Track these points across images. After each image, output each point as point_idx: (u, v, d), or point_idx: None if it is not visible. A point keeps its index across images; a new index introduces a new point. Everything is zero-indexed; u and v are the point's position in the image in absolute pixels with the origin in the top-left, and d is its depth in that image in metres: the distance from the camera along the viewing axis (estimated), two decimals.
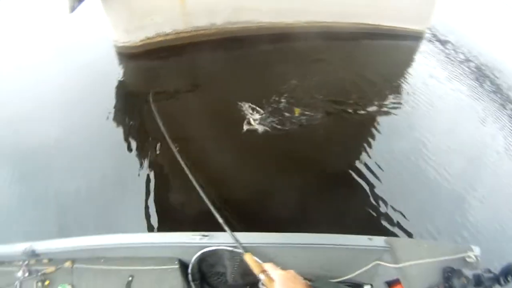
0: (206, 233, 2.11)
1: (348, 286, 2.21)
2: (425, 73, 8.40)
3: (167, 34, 6.36)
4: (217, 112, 5.35)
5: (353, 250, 2.05)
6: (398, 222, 3.79)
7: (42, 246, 2.48)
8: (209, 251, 2.11)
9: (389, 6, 8.73)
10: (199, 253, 2.12)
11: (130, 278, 2.24)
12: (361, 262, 2.13)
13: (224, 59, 6.39)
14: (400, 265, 1.80)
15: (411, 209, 4.09)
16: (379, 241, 2.03)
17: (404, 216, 3.89)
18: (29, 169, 4.52)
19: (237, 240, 2.02)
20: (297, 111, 5.43)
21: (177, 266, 2.21)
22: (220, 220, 2.17)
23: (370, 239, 2.04)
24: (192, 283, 2.22)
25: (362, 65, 7.67)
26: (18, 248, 2.51)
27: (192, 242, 2.10)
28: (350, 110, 5.88)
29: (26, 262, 2.57)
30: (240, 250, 2.05)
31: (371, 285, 2.25)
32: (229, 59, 6.26)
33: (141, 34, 6.66)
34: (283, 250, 2.12)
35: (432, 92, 7.40)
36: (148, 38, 6.56)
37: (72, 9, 5.86)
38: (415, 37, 10.09)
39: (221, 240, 2.10)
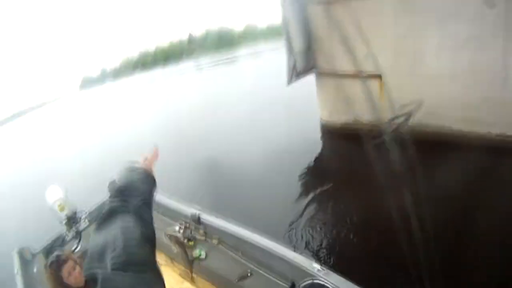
0: (325, 268, 2.32)
1: None
2: None
3: (363, 124, 6.91)
4: None
5: None
6: None
7: (207, 218, 3.24)
8: (319, 284, 2.27)
9: None
10: (310, 281, 2.31)
11: (248, 273, 2.68)
12: None
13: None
14: None
15: None
16: None
17: None
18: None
19: None
20: None
21: (287, 286, 2.47)
22: None
23: None
24: None
25: None
26: (189, 210, 3.35)
27: (309, 268, 2.34)
28: None
29: (187, 224, 3.38)
30: None
31: None
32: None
33: (342, 117, 7.70)
34: None
35: None
36: (347, 123, 7.50)
37: (289, 82, 7.72)
38: None
39: (333, 280, 2.24)
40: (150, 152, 1.82)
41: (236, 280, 2.68)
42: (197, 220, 3.27)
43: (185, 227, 3.32)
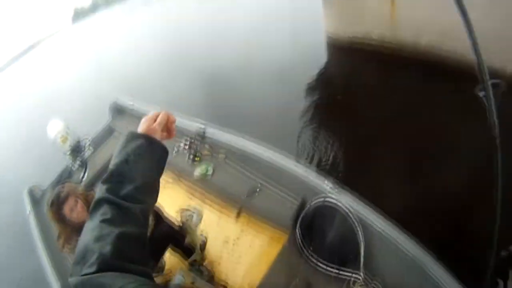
0: (337, 186, 2.23)
1: None
2: None
3: (373, 39, 6.51)
4: None
5: None
6: None
7: (213, 131, 3.10)
8: (330, 202, 2.21)
9: None
10: (321, 199, 2.25)
11: (257, 189, 2.62)
12: None
13: (419, 89, 5.63)
14: None
15: None
16: None
17: None
18: None
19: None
20: None
21: (297, 203, 2.42)
22: None
23: None
24: (298, 223, 2.38)
25: None
26: (193, 125, 3.20)
27: (321, 186, 2.26)
28: None
29: (193, 140, 3.26)
30: (354, 221, 2.12)
31: None
32: (424, 91, 5.42)
33: (349, 32, 7.12)
34: None
35: None
36: (355, 37, 6.92)
37: None
38: None
39: (347, 200, 2.16)
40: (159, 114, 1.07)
41: (245, 196, 2.62)
42: (203, 135, 3.14)
43: (190, 143, 3.21)
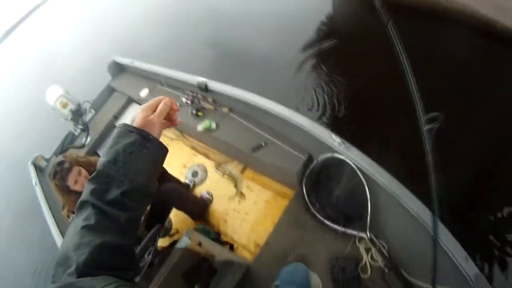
0: (345, 142, 2.06)
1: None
2: None
3: None
4: None
5: (442, 255, 1.67)
6: None
7: (215, 85, 2.91)
8: (338, 159, 2.06)
9: None
10: (329, 155, 2.10)
11: (262, 144, 2.48)
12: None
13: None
14: None
15: None
16: (471, 268, 1.60)
17: None
18: None
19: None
20: None
21: (304, 158, 2.27)
22: None
23: (467, 259, 1.69)
24: (305, 179, 2.28)
25: None
26: (195, 79, 3.02)
27: (329, 141, 2.09)
28: None
29: (196, 94, 3.10)
30: (362, 178, 1.98)
31: None
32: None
33: None
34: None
35: None
36: None
37: None
38: None
39: (355, 156, 2.00)
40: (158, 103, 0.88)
41: (250, 151, 2.49)
42: (205, 88, 2.95)
43: (193, 98, 3.05)
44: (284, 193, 2.57)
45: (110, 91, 4.13)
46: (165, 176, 2.72)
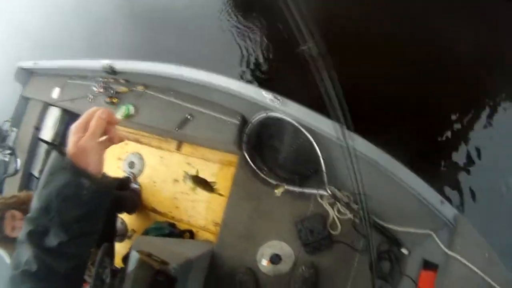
0: (279, 97, 1.79)
1: (383, 235, 1.90)
2: None
3: None
4: None
5: (415, 201, 1.59)
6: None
7: (122, 65, 2.49)
8: (275, 117, 1.82)
9: None
10: (263, 114, 1.84)
11: (188, 116, 2.17)
12: (414, 219, 1.70)
13: None
14: (451, 253, 1.36)
15: None
16: (448, 210, 1.54)
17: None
18: None
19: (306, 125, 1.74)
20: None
21: (237, 122, 2.02)
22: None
23: (442, 202, 1.63)
24: (244, 145, 2.04)
25: None
26: (99, 63, 2.57)
27: (261, 100, 1.83)
28: None
29: (106, 79, 2.67)
30: (306, 133, 1.79)
31: (409, 252, 1.78)
32: None
33: None
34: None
35: None
36: None
37: None
38: None
39: (293, 111, 1.76)
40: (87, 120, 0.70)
41: (177, 129, 2.18)
42: (112, 71, 2.53)
43: (105, 84, 2.62)
44: (230, 161, 2.35)
45: (25, 101, 3.50)
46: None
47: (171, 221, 2.41)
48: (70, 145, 0.65)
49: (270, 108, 1.83)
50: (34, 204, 0.64)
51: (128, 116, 2.42)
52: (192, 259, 1.83)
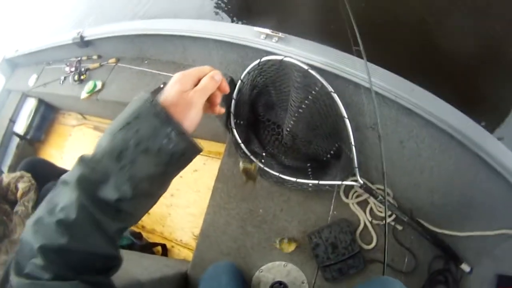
0: (274, 31, 1.21)
1: (436, 245, 1.18)
2: None
3: None
4: None
5: (502, 186, 1.00)
6: None
7: (93, 31, 2.02)
8: (274, 64, 1.20)
9: None
10: (257, 62, 1.23)
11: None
12: (484, 216, 1.11)
13: None
14: None
15: None
16: None
17: None
18: None
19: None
20: None
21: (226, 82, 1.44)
22: None
23: None
24: (231, 119, 1.38)
25: None
26: (69, 35, 2.15)
27: (255, 40, 1.25)
28: None
29: (79, 58, 2.24)
30: (323, 81, 1.13)
31: (471, 268, 1.15)
32: None
33: None
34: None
35: None
36: None
37: None
38: None
39: (299, 50, 1.18)
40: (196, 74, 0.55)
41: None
42: (83, 42, 2.07)
43: (76, 63, 2.18)
44: (217, 152, 1.74)
45: (7, 94, 3.25)
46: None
47: (139, 230, 1.80)
48: (173, 93, 0.52)
49: (270, 51, 1.23)
50: (102, 144, 0.50)
51: (93, 92, 1.91)
52: (143, 282, 1.19)
